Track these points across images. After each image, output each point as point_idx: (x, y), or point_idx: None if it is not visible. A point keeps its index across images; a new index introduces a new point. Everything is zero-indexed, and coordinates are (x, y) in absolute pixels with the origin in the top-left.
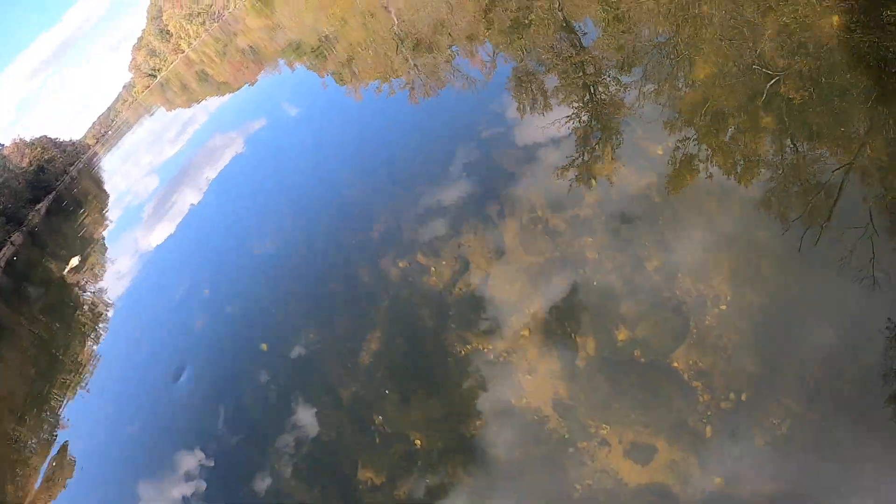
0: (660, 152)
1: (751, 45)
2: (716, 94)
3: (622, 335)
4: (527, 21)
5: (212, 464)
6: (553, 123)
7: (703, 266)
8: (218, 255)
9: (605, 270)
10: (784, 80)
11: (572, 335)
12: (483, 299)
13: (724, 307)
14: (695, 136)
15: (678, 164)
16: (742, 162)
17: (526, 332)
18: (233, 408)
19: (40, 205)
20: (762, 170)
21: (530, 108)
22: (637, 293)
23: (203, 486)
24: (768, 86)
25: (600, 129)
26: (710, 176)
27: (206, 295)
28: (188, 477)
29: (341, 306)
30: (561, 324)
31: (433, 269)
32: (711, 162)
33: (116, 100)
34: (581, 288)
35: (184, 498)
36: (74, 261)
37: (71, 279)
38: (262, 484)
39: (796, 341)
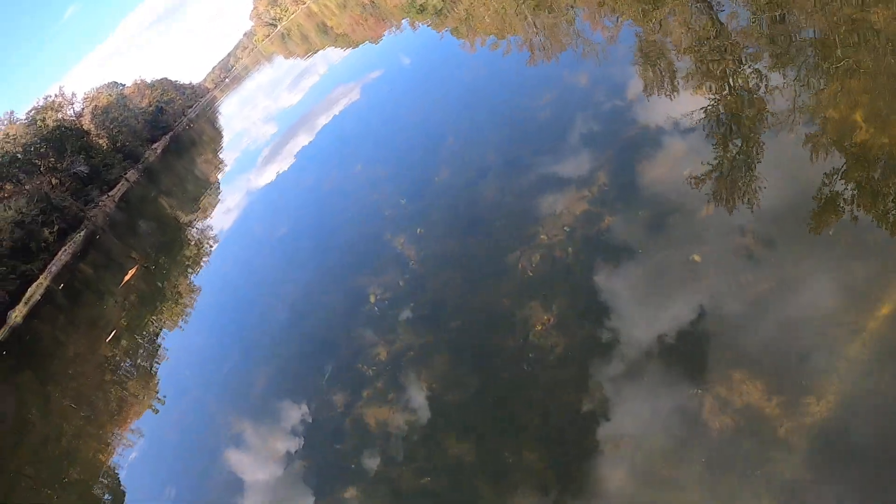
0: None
1: None
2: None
3: None
4: None
5: (310, 420)
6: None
7: None
8: (326, 193)
9: None
10: None
11: None
12: None
13: None
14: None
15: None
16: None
17: None
18: (332, 365)
19: (157, 144)
20: None
21: (656, 88)
22: None
23: (301, 442)
24: None
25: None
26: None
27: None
28: (288, 431)
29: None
30: None
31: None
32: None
33: (237, 46)
34: None
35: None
36: None
37: (183, 218)
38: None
39: None
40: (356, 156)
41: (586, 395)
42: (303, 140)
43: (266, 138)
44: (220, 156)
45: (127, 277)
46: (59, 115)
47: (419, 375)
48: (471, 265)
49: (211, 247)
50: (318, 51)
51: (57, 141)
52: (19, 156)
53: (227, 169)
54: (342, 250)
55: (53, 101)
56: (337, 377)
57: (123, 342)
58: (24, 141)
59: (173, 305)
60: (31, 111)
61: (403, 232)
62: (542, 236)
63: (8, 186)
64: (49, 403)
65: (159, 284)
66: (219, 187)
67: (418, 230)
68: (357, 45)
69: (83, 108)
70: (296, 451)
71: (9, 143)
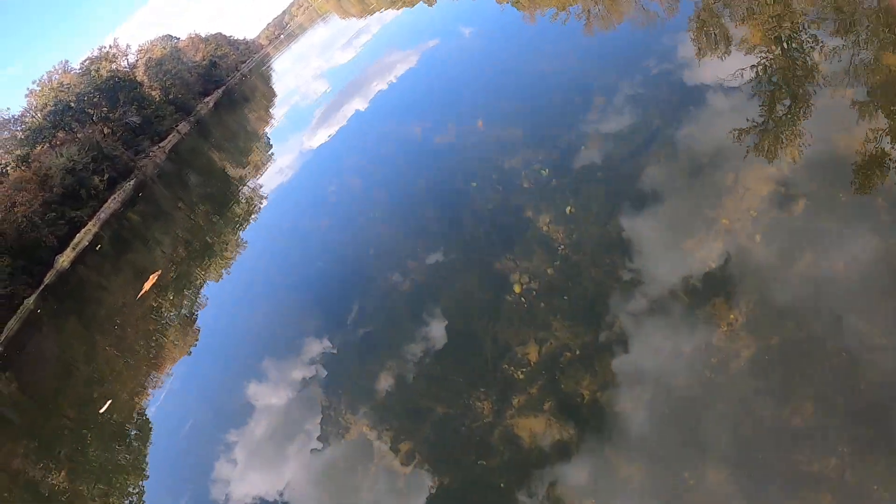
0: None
1: None
2: None
3: None
4: None
5: (453, 426)
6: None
7: None
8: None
9: None
10: None
11: None
12: None
13: None
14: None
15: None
16: None
17: None
18: (365, 306)
19: (209, 98)
20: None
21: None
22: None
23: (324, 372)
24: None
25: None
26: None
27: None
28: (311, 361)
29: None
30: None
31: None
32: None
33: (292, 4)
34: None
35: (303, 379)
36: None
37: (232, 171)
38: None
39: None
40: (476, 108)
41: (784, 412)
42: (357, 104)
43: (317, 97)
44: (271, 111)
45: (147, 286)
46: (113, 66)
47: (579, 383)
48: (636, 254)
49: (258, 205)
50: (373, 12)
51: (110, 91)
52: (72, 105)
53: (276, 124)
54: (472, 225)
55: (108, 52)
56: (481, 377)
57: (169, 295)
58: (77, 90)
59: (219, 262)
60: (85, 61)
61: (548, 210)
62: (722, 220)
63: (61, 134)
64: (89, 343)
65: (207, 239)
66: (268, 142)
67: (567, 209)
68: (411, 4)
69: (137, 60)
70: (434, 464)
71: (63, 91)
